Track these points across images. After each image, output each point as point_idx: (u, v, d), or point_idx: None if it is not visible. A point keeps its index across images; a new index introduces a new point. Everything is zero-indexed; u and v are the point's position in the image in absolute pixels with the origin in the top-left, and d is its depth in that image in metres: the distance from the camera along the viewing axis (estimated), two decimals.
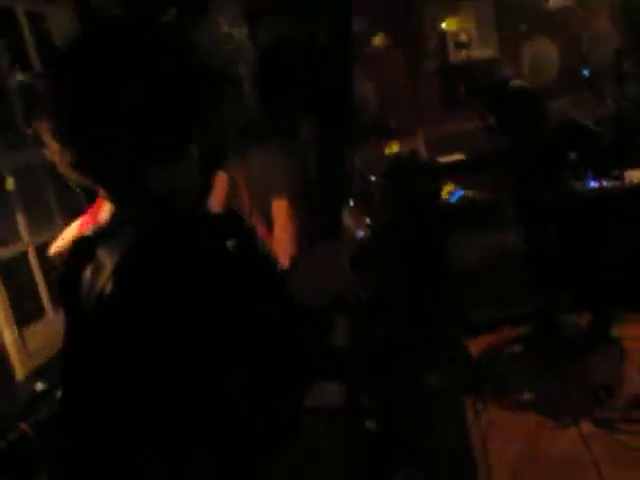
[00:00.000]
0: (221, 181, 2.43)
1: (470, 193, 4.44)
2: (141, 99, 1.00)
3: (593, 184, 4.16)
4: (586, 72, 4.31)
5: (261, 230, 2.42)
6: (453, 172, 4.57)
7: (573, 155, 3.96)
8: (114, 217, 1.08)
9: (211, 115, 1.10)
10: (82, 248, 1.09)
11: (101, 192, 1.09)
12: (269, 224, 2.41)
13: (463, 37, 4.87)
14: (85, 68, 1.00)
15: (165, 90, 1.02)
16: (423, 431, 2.31)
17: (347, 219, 3.86)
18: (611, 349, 3.82)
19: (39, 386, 2.28)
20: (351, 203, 4.07)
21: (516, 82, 3.75)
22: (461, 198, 4.43)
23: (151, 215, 1.06)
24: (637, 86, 4.50)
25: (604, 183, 4.16)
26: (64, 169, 1.05)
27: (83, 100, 1.00)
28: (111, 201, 1.09)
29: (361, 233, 3.74)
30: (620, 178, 4.16)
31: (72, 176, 1.05)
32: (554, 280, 3.96)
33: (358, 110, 5.00)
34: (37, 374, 2.40)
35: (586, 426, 3.14)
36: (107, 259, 1.01)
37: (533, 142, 3.62)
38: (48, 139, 1.02)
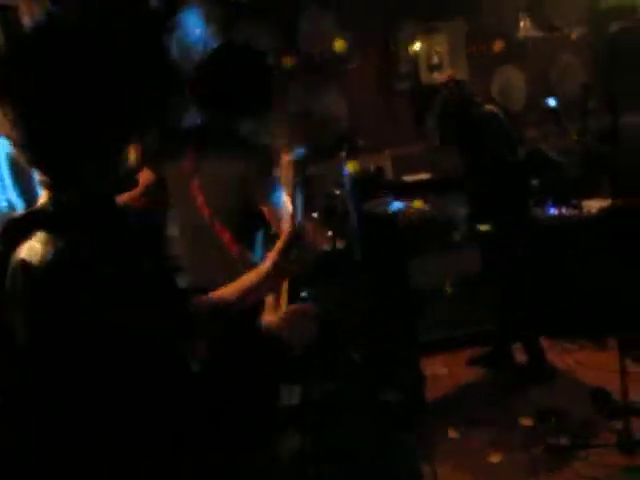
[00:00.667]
0: (143, 176, 2.38)
1: (431, 212, 4.49)
2: (88, 93, 1.04)
3: (553, 211, 4.26)
4: (552, 103, 4.40)
5: (226, 236, 2.35)
6: (418, 190, 4.61)
7: (536, 182, 4.04)
8: (50, 200, 1.11)
9: (154, 115, 1.15)
10: (14, 229, 1.11)
11: (41, 176, 1.12)
12: (232, 230, 2.35)
13: (435, 59, 4.94)
14: (39, 58, 1.03)
15: (115, 87, 1.06)
16: (377, 447, 2.29)
17: (311, 233, 3.85)
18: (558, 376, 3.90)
19: None
20: (315, 216, 4.07)
21: (488, 107, 3.79)
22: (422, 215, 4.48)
23: (77, 202, 1.10)
24: (599, 121, 4.62)
25: (563, 211, 4.26)
26: (16, 148, 1.10)
27: (34, 88, 1.03)
28: (47, 186, 1.12)
29: (325, 247, 3.74)
30: (578, 207, 4.27)
31: (22, 155, 1.10)
32: (510, 304, 4.00)
33: (329, 125, 5.02)
34: None
35: (536, 451, 3.17)
36: (39, 245, 1.03)
37: (500, 167, 3.66)
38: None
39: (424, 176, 4.74)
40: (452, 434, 3.45)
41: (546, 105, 4.47)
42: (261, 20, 4.86)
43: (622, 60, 4.75)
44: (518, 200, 3.81)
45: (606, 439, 3.12)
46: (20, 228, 1.09)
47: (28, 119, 1.03)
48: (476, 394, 3.84)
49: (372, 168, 4.99)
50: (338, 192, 4.62)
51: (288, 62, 4.95)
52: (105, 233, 1.07)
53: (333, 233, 3.97)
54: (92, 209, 1.10)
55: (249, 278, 1.52)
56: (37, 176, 1.13)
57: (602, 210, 4.14)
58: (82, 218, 1.07)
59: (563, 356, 4.08)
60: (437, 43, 4.95)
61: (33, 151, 1.07)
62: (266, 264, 1.53)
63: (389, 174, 5.07)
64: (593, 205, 4.23)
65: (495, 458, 3.16)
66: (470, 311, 4.35)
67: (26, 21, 2.98)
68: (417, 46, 5.00)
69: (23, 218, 1.12)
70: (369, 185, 4.78)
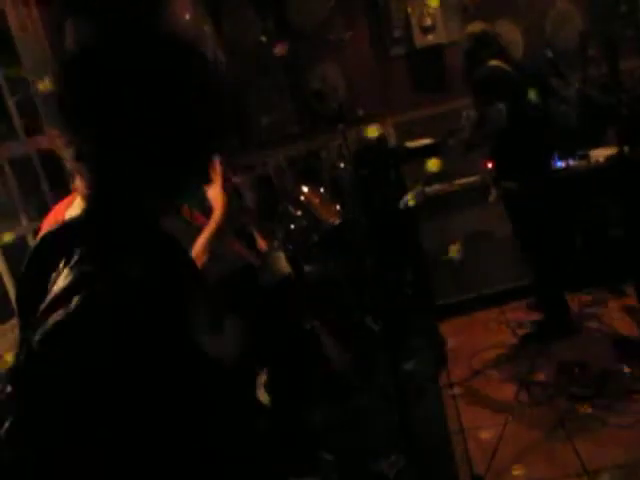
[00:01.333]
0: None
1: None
2: (144, 108, 0.99)
3: (560, 164, 4.21)
4: (550, 54, 4.32)
5: (201, 219, 2.40)
6: (421, 157, 4.58)
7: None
8: (87, 213, 1.06)
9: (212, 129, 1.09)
10: (49, 245, 1.05)
11: (80, 183, 1.06)
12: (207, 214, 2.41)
13: (428, 21, 4.86)
14: (94, 76, 1.00)
15: (167, 99, 1.01)
16: (403, 417, 2.32)
17: (317, 206, 3.85)
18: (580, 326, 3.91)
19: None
20: (321, 190, 4.06)
21: (493, 62, 3.74)
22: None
23: (118, 218, 1.04)
24: (600, 68, 4.54)
25: (570, 162, 4.21)
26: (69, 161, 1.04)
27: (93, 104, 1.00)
28: (88, 196, 1.06)
29: (334, 221, 3.73)
30: (586, 157, 4.22)
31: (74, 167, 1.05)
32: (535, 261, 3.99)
33: (327, 97, 4.99)
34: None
35: (560, 402, 3.19)
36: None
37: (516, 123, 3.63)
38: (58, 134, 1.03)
39: (426, 141, 4.70)
40: (478, 386, 3.50)
41: (545, 56, 4.40)
42: (250, 3, 4.83)
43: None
44: (539, 154, 3.80)
45: (631, 387, 3.13)
46: (56, 244, 1.04)
47: (91, 132, 1.00)
48: (497, 351, 3.87)
49: (375, 137, 4.96)
50: (342, 165, 4.62)
51: (279, 51, 4.94)
52: (146, 254, 1.02)
53: (341, 206, 3.96)
54: (134, 227, 1.05)
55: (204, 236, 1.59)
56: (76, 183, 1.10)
57: (609, 158, 4.09)
58: (120, 236, 1.02)
59: (582, 308, 4.08)
60: (429, 4, 4.87)
61: (92, 164, 1.02)
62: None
63: (392, 141, 5.04)
64: (600, 154, 4.17)
65: (520, 411, 3.20)
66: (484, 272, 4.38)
67: (15, 25, 2.98)
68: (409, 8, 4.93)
69: (58, 234, 1.06)
70: (373, 154, 4.76)
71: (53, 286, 0.96)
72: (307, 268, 3.55)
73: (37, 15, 3.08)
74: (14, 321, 2.70)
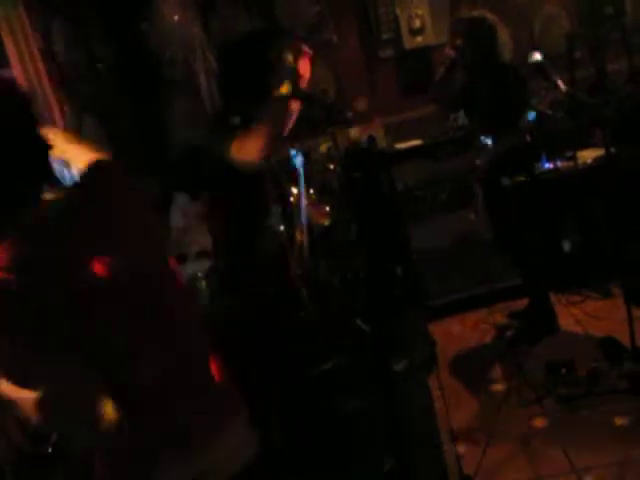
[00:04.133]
0: None
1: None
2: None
3: (547, 165, 4.23)
4: (537, 56, 4.35)
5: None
6: (411, 158, 4.59)
7: (528, 137, 4.02)
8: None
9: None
10: None
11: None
12: None
13: (417, 23, 4.88)
14: None
15: None
16: (392, 417, 2.34)
17: (308, 210, 3.86)
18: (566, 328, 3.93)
19: None
20: (311, 192, 4.07)
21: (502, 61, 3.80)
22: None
23: None
24: (587, 70, 4.58)
25: (558, 164, 4.24)
26: None
27: None
28: None
29: (324, 223, 3.75)
30: (573, 159, 4.25)
31: None
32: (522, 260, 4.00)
33: (316, 98, 4.99)
34: None
35: (549, 403, 3.21)
36: None
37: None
38: None
39: (416, 143, 4.71)
40: (465, 392, 3.52)
41: (532, 59, 4.42)
42: (238, 2, 4.83)
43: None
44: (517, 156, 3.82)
45: (617, 386, 3.15)
46: None
47: None
48: (485, 352, 3.89)
49: (364, 138, 4.97)
50: (332, 167, 4.63)
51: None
52: None
53: (330, 208, 3.97)
54: None
55: None
56: None
57: (597, 159, 4.12)
58: None
59: (569, 308, 4.11)
60: (417, 6, 4.88)
61: None
62: None
63: (381, 143, 5.05)
64: (588, 155, 4.20)
65: (508, 411, 3.21)
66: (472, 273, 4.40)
67: (4, 27, 2.97)
68: (397, 10, 4.95)
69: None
70: (363, 155, 4.76)
71: None
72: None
73: (26, 17, 3.08)
74: None
